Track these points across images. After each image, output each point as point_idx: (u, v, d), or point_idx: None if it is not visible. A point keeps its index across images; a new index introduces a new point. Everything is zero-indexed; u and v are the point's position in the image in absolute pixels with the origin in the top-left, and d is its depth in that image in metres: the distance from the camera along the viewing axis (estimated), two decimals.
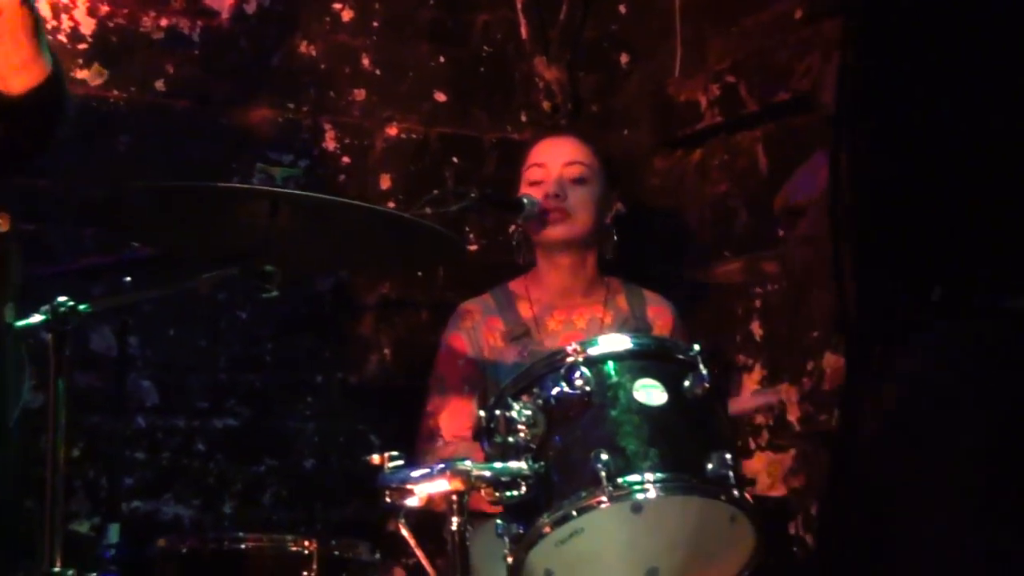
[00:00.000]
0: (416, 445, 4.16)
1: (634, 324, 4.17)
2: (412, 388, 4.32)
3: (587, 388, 3.07)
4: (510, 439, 3.10)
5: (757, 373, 4.72)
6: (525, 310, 4.22)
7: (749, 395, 4.56)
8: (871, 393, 3.40)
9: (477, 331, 4.20)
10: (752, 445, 4.67)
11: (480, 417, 3.24)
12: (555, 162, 4.19)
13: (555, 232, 4.17)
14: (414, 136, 5.10)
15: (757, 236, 4.78)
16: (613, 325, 4.17)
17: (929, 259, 3.61)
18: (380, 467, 3.08)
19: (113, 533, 3.89)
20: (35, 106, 2.98)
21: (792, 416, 4.55)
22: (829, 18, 4.46)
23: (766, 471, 4.63)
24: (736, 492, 3.03)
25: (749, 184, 4.84)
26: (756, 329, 4.75)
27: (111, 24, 4.66)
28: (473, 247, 5.07)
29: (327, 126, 4.96)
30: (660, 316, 4.24)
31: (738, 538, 3.11)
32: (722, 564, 3.15)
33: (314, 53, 4.96)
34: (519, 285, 4.28)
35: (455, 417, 4.14)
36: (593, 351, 3.13)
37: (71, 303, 3.09)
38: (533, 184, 4.19)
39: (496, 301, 4.25)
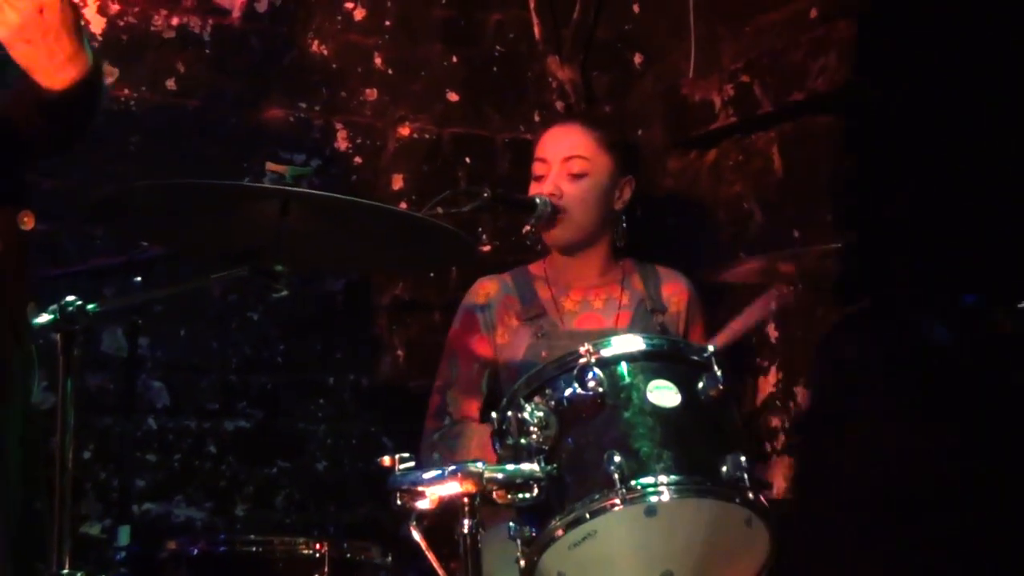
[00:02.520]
0: (425, 421, 4.14)
1: (650, 304, 4.16)
2: (425, 389, 4.30)
3: (600, 389, 3.05)
4: (522, 441, 3.08)
5: (773, 375, 4.69)
6: (543, 291, 4.20)
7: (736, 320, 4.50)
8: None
9: (493, 309, 4.19)
10: (768, 448, 4.65)
11: (492, 418, 3.22)
12: (555, 157, 4.17)
13: (556, 236, 4.15)
14: (427, 136, 5.08)
15: (772, 237, 4.75)
16: (630, 305, 4.16)
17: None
18: (391, 469, 3.06)
19: (124, 535, 3.87)
20: (76, 100, 2.99)
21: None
22: (844, 18, 4.44)
23: (782, 475, 4.60)
24: (751, 495, 3.01)
25: (764, 185, 4.81)
26: (771, 331, 4.73)
27: (121, 23, 4.64)
28: (486, 247, 5.06)
29: (339, 126, 4.94)
30: (676, 293, 4.24)
31: (753, 541, 3.08)
32: (737, 567, 3.12)
33: (326, 52, 4.95)
34: (538, 267, 4.28)
35: (463, 397, 4.13)
36: (606, 352, 3.11)
37: (79, 303, 3.08)
38: (536, 179, 4.18)
39: (515, 281, 4.25)
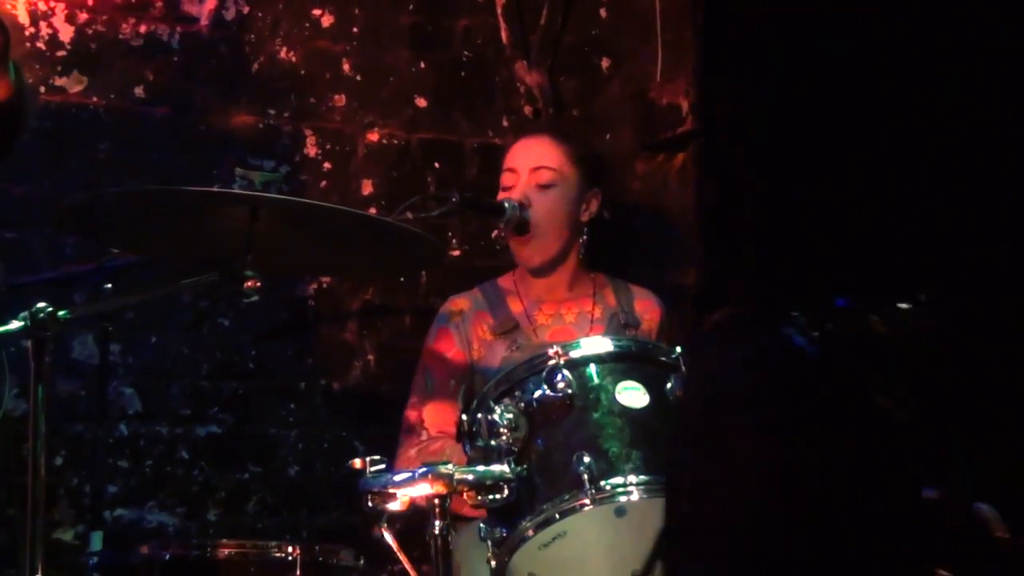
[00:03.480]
0: (399, 437, 4.14)
1: (623, 318, 4.16)
2: (396, 394, 4.30)
3: (569, 391, 3.08)
4: (492, 442, 3.10)
5: None
6: (515, 305, 4.20)
7: None
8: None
9: (465, 325, 4.18)
10: None
11: (462, 420, 3.24)
12: (524, 167, 4.18)
13: (527, 257, 4.16)
14: (395, 141, 5.09)
15: None
16: (602, 319, 4.16)
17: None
18: (362, 472, 3.08)
19: (96, 541, 3.89)
20: None
21: None
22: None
23: None
24: None
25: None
26: None
27: (90, 31, 4.64)
28: (455, 252, 5.07)
29: (308, 132, 4.95)
30: (648, 310, 4.23)
31: None
32: None
33: (294, 59, 4.95)
34: (508, 281, 4.27)
35: (440, 411, 4.12)
36: (575, 354, 3.14)
37: (50, 310, 3.08)
38: (504, 190, 4.18)
39: (485, 296, 4.24)
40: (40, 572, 3.08)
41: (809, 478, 1.98)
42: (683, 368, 3.14)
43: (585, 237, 4.22)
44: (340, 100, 5.02)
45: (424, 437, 4.09)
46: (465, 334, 4.17)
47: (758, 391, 2.00)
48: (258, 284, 3.21)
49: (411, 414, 4.16)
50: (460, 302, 4.24)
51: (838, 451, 1.97)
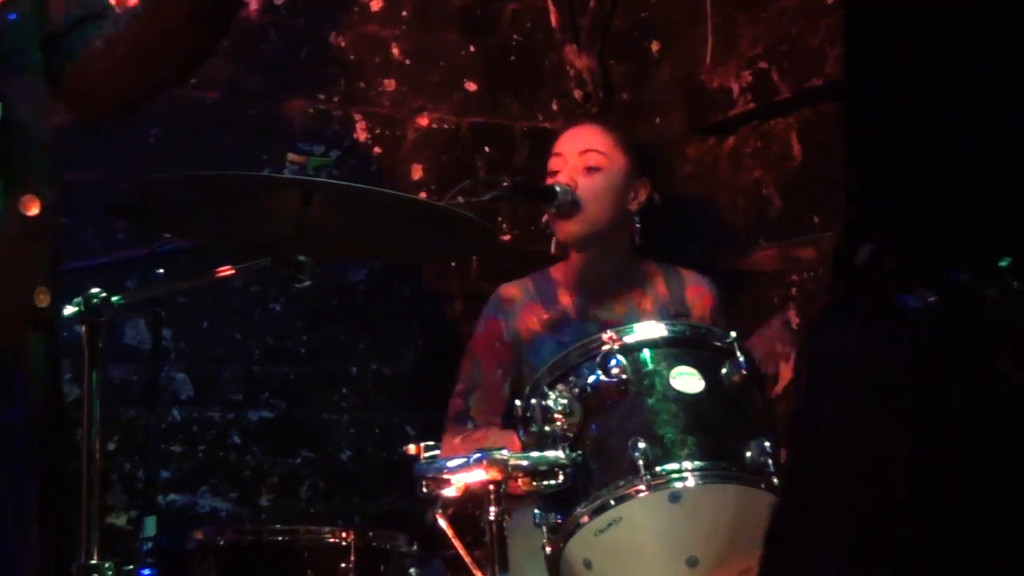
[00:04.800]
0: (445, 424, 4.14)
1: (673, 309, 4.14)
2: (447, 379, 4.30)
3: (623, 376, 3.06)
4: (546, 428, 3.09)
5: (794, 361, 4.69)
6: (564, 297, 4.19)
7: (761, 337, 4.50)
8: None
9: (515, 315, 4.17)
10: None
11: (516, 406, 3.23)
12: (571, 151, 4.16)
13: (568, 229, 4.13)
14: (445, 126, 5.09)
15: (792, 223, 4.75)
16: (652, 311, 4.14)
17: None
18: (416, 457, 3.07)
19: (150, 526, 3.89)
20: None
21: None
22: (861, 2, 4.42)
23: None
24: (776, 480, 3.02)
25: (783, 171, 4.80)
26: (793, 317, 4.73)
27: None
28: (506, 236, 5.06)
29: (358, 117, 4.95)
30: (700, 296, 4.20)
31: None
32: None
33: (343, 44, 4.95)
34: (559, 271, 4.26)
35: (486, 400, 4.11)
36: (629, 339, 3.12)
37: (103, 295, 3.09)
38: (551, 174, 4.17)
39: (536, 286, 4.22)
40: (95, 557, 3.10)
41: (943, 462, 1.95)
42: (738, 353, 3.12)
43: (637, 226, 4.19)
44: (390, 85, 5.02)
45: (469, 426, 4.08)
46: (514, 324, 4.16)
47: (881, 372, 1.97)
48: (310, 269, 3.21)
49: (457, 402, 4.16)
50: (511, 291, 4.23)
51: (973, 431, 1.94)
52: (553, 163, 4.19)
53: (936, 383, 1.96)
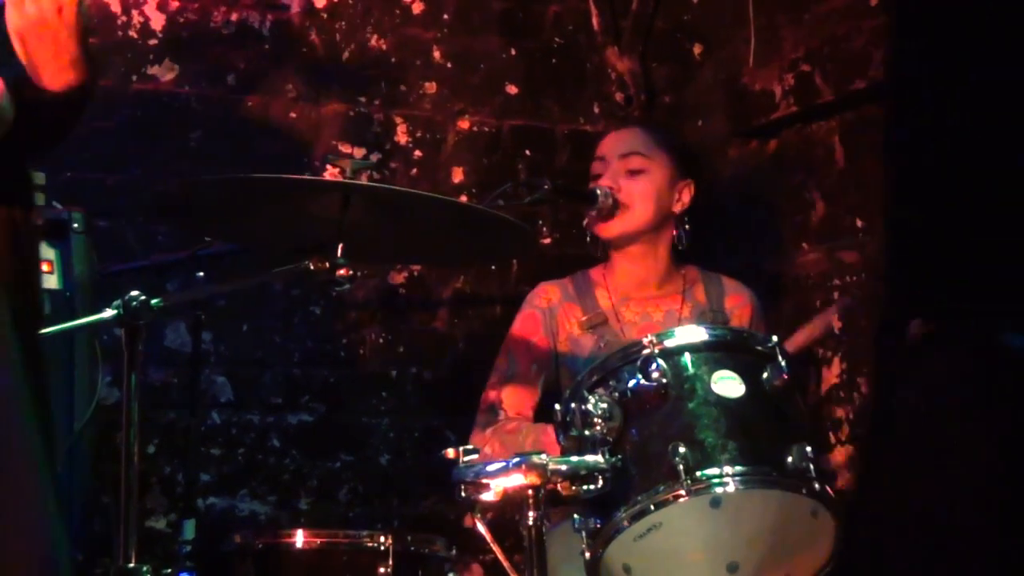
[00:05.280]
0: (476, 415, 4.13)
1: (711, 317, 4.11)
2: (486, 383, 4.29)
3: (664, 380, 3.04)
4: (586, 432, 3.07)
5: (836, 366, 4.66)
6: (603, 299, 4.17)
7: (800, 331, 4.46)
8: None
9: (554, 314, 4.15)
10: (833, 439, 4.62)
11: (556, 410, 3.21)
12: (613, 154, 4.15)
13: (609, 229, 4.12)
14: (486, 129, 5.08)
15: (834, 227, 4.73)
16: (690, 318, 4.11)
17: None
18: (455, 461, 3.06)
19: (189, 529, 3.90)
20: (69, 105, 2.98)
21: None
22: (905, 5, 4.40)
23: (847, 466, 4.58)
24: (817, 485, 2.99)
25: (826, 174, 4.78)
26: (835, 322, 4.69)
27: (181, 19, 4.66)
28: (547, 240, 5.05)
29: (398, 120, 4.95)
30: (739, 306, 4.17)
31: (819, 532, 3.06)
32: (803, 558, 3.10)
33: (384, 47, 4.95)
34: (598, 273, 4.24)
35: (519, 394, 4.09)
36: (669, 343, 3.10)
37: (143, 298, 3.09)
38: (594, 178, 4.15)
39: (576, 287, 4.20)
40: (133, 560, 3.10)
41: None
42: (780, 357, 3.10)
43: (682, 231, 4.17)
44: (431, 87, 5.01)
45: (501, 417, 4.07)
46: (552, 323, 4.15)
47: (978, 399, 1.96)
48: (349, 272, 3.21)
49: (490, 394, 4.14)
50: (550, 290, 4.21)
51: None
52: (596, 167, 4.18)
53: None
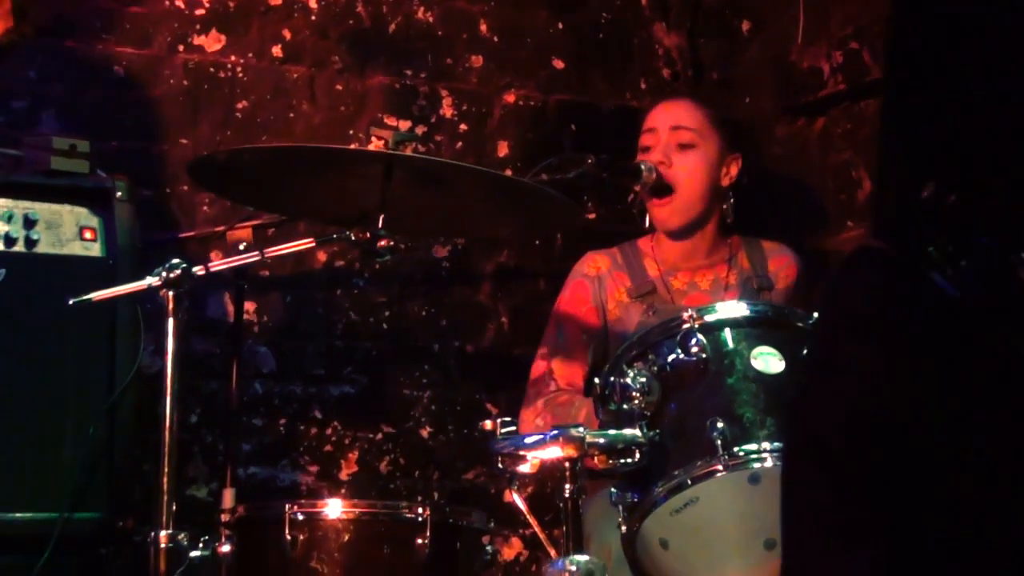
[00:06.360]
0: (527, 387, 4.13)
1: (756, 282, 4.11)
2: (529, 357, 4.28)
3: (703, 355, 3.04)
4: (624, 406, 3.07)
5: None
6: (652, 268, 4.17)
7: None
8: None
9: (603, 282, 4.16)
10: None
11: (595, 384, 3.21)
12: (664, 127, 4.14)
13: (666, 221, 4.13)
14: (532, 103, 5.06)
15: None
16: (736, 285, 4.11)
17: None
18: (492, 433, 3.06)
19: (229, 498, 3.91)
20: None
21: None
22: None
23: None
24: None
25: (873, 153, 4.75)
26: None
27: None
28: (591, 215, 5.03)
29: (444, 93, 4.93)
30: (783, 267, 4.17)
31: None
32: None
33: (431, 19, 4.94)
34: (646, 243, 4.24)
35: (569, 364, 4.10)
36: (710, 318, 3.10)
37: (185, 267, 3.11)
38: (643, 150, 4.15)
39: (624, 256, 4.21)
40: (171, 526, 3.12)
41: (937, 418, 1.91)
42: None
43: (730, 203, 4.17)
44: (477, 61, 5.00)
45: (552, 388, 4.07)
46: (601, 292, 4.16)
47: (888, 319, 1.93)
48: (391, 244, 3.21)
49: (540, 364, 4.15)
50: (599, 259, 4.22)
51: (972, 399, 1.90)
52: (645, 139, 4.17)
53: (942, 345, 1.93)
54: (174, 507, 3.16)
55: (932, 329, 1.88)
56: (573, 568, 2.93)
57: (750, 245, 4.22)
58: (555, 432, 2.96)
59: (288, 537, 3.24)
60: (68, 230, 3.77)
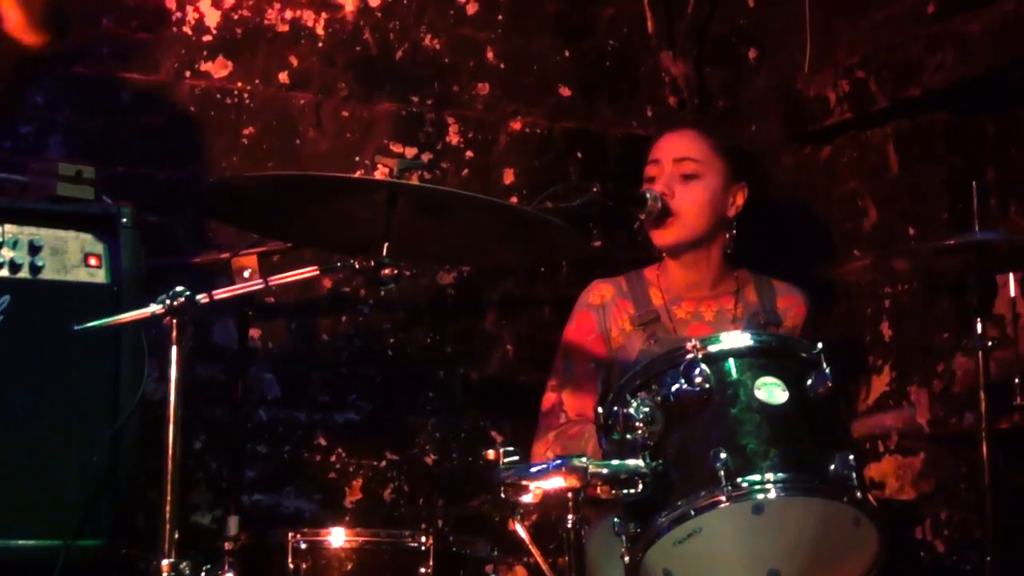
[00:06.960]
0: (539, 420, 4.12)
1: (764, 317, 4.10)
2: (535, 384, 4.28)
3: (707, 385, 3.03)
4: (628, 436, 3.07)
5: (886, 375, 4.64)
6: (656, 297, 4.17)
7: None
8: None
9: (607, 311, 4.15)
10: (881, 448, 4.60)
11: (598, 413, 3.20)
12: (667, 158, 4.14)
13: (664, 237, 4.12)
14: (538, 130, 5.07)
15: (887, 235, 4.70)
16: (743, 318, 4.11)
17: None
18: (495, 462, 3.06)
19: (233, 525, 3.91)
20: None
21: (922, 419, 4.47)
22: (962, 13, 4.38)
23: (895, 474, 4.55)
24: (859, 494, 2.97)
25: (879, 182, 4.76)
26: (885, 330, 4.67)
27: (235, 16, 4.67)
28: (596, 242, 5.03)
29: (450, 120, 4.94)
30: (792, 307, 4.16)
31: (861, 541, 3.05)
32: (845, 567, 3.09)
33: (438, 46, 4.95)
34: (652, 272, 4.24)
35: (579, 395, 4.09)
36: (713, 348, 3.09)
37: (189, 293, 3.10)
38: (647, 181, 4.15)
39: (629, 285, 4.21)
40: (175, 554, 3.11)
41: None
42: (824, 364, 3.08)
43: (732, 233, 4.16)
44: (483, 88, 5.00)
45: (563, 420, 4.07)
46: (605, 320, 4.15)
47: None
48: (395, 272, 3.21)
49: (550, 397, 4.15)
50: (604, 287, 4.22)
51: None
52: (650, 170, 4.17)
53: None
54: (177, 534, 3.14)
55: None
56: None
57: (759, 281, 4.21)
58: (558, 462, 2.95)
59: (291, 566, 3.24)
60: (73, 256, 3.77)
